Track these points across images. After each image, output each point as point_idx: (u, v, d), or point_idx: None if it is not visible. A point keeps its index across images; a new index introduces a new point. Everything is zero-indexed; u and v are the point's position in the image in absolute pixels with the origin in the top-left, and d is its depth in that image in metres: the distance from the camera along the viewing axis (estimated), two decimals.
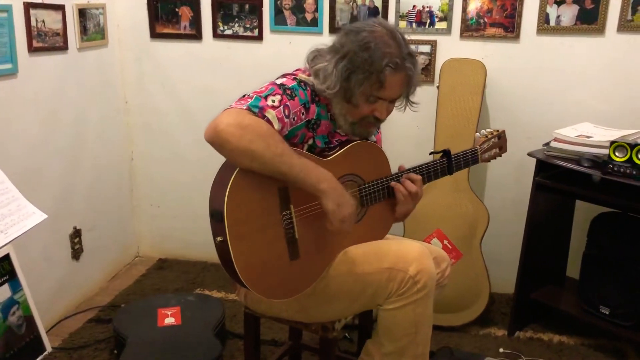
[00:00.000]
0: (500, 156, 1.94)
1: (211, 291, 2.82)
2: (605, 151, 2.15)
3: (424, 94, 2.71)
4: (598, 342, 2.48)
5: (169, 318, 2.33)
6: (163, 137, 3.06)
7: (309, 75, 1.63)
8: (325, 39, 2.71)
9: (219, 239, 1.47)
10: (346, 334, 2.44)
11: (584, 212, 2.61)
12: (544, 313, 2.63)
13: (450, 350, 2.27)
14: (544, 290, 2.58)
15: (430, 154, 1.78)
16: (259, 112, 1.46)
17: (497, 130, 1.90)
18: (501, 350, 2.40)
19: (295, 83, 1.59)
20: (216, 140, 1.43)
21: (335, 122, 1.67)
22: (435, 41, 2.67)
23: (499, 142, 1.91)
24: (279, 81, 1.58)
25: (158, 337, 2.22)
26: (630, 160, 2.05)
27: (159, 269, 3.13)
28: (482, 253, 2.58)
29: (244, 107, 1.46)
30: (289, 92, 1.55)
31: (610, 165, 2.08)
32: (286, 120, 1.52)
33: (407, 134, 2.80)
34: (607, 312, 2.32)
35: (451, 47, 2.66)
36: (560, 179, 2.34)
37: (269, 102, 1.49)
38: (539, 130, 2.58)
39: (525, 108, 2.66)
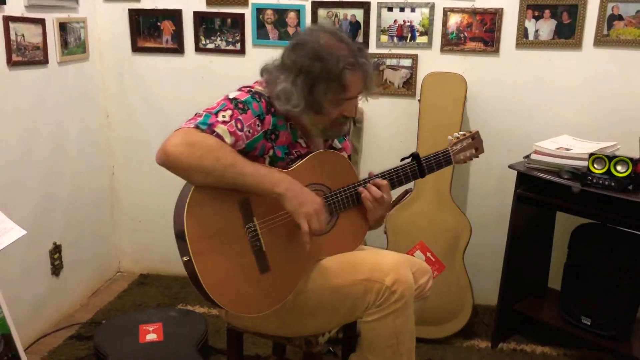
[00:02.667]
0: (477, 157, 1.91)
1: (193, 306, 2.80)
2: (585, 163, 2.18)
3: (406, 108, 2.76)
4: (580, 352, 2.50)
5: (151, 334, 2.30)
6: (144, 152, 3.04)
7: (264, 86, 1.64)
8: None
9: (185, 258, 1.47)
10: (330, 348, 2.43)
11: (565, 224, 2.64)
12: (526, 324, 2.65)
13: None
14: (526, 302, 2.60)
15: (401, 160, 1.78)
16: (208, 128, 1.48)
17: (470, 132, 1.89)
18: None
19: (249, 96, 1.59)
20: (166, 162, 1.45)
21: (295, 131, 1.67)
22: (416, 55, 2.69)
23: (474, 143, 1.88)
24: (232, 95, 1.59)
25: (139, 353, 2.19)
26: (608, 172, 2.08)
27: (141, 285, 3.09)
28: (464, 265, 2.59)
29: (192, 126, 1.48)
30: (241, 105, 1.55)
31: (590, 177, 2.11)
32: (240, 133, 1.52)
33: (389, 147, 2.81)
34: (589, 323, 2.33)
35: (432, 61, 2.69)
36: (540, 191, 2.36)
37: (220, 118, 1.51)
38: (519, 143, 2.61)
39: (506, 121, 2.69)
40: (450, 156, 1.81)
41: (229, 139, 1.50)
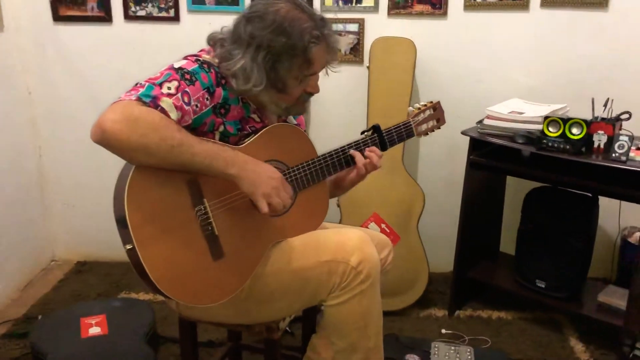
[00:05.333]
0: (439, 128, 1.84)
1: (138, 294, 2.64)
2: (538, 127, 2.15)
3: (354, 75, 2.65)
4: (535, 315, 2.52)
5: (94, 328, 2.13)
6: (73, 130, 2.80)
7: (214, 56, 1.48)
8: None
9: (127, 246, 1.32)
10: (287, 328, 2.34)
11: (515, 187, 2.65)
12: (481, 290, 2.65)
13: (395, 336, 2.22)
14: (480, 268, 2.59)
15: (361, 133, 1.68)
16: (151, 101, 1.31)
17: (432, 102, 1.81)
18: (443, 331, 2.39)
19: (197, 66, 1.43)
20: (103, 140, 1.28)
21: (247, 105, 1.53)
22: (362, 20, 2.58)
23: (435, 114, 1.80)
24: (177, 64, 1.42)
25: (82, 350, 2.02)
26: (563, 134, 2.06)
27: (79, 273, 2.89)
28: (419, 234, 2.54)
29: (133, 98, 1.31)
30: (187, 76, 1.39)
31: (545, 141, 2.08)
32: (187, 107, 1.37)
33: (338, 116, 2.71)
34: (543, 286, 2.35)
35: (379, 25, 2.58)
36: (491, 156, 2.33)
37: (164, 90, 1.34)
38: (469, 108, 2.57)
39: (455, 86, 2.63)
40: (412, 128, 1.72)
41: (174, 114, 1.34)
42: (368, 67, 2.53)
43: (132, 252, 1.32)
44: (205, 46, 1.55)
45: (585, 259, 2.36)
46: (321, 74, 1.59)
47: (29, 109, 2.79)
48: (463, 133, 2.34)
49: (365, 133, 1.68)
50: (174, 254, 1.36)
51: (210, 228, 1.41)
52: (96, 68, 2.74)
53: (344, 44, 2.62)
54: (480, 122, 2.35)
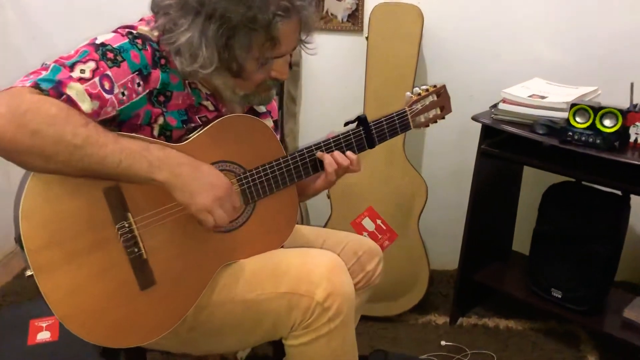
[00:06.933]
0: (443, 118, 1.54)
1: None
2: (562, 114, 1.81)
3: (352, 46, 2.32)
4: (548, 325, 2.23)
5: (43, 332, 1.88)
6: None
7: (154, 27, 1.17)
8: None
9: (27, 273, 1.05)
10: None
11: (532, 180, 2.32)
12: (488, 294, 2.36)
13: (384, 354, 1.94)
14: (489, 270, 2.29)
15: (345, 124, 1.37)
16: (53, 88, 1.02)
17: (435, 87, 1.49)
18: (443, 343, 2.11)
19: (127, 41, 1.12)
20: None
21: (197, 91, 1.23)
22: None
23: (439, 101, 1.49)
24: (101, 39, 1.12)
25: None
26: (593, 126, 1.72)
27: None
28: (420, 232, 2.24)
29: (28, 84, 1.01)
30: (111, 55, 1.09)
31: (570, 133, 1.75)
32: (107, 96, 1.07)
33: (332, 95, 2.39)
34: (560, 296, 2.04)
35: None
36: (506, 145, 2.01)
37: (75, 73, 1.04)
38: (483, 87, 2.23)
39: (468, 61, 2.28)
40: (408, 119, 1.40)
41: (87, 105, 1.05)
42: (367, 38, 2.19)
43: (33, 280, 1.05)
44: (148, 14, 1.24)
45: (611, 268, 2.04)
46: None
47: None
48: (474, 119, 2.00)
49: (349, 125, 1.36)
50: (86, 284, 1.09)
51: (136, 250, 1.12)
52: (62, 33, 2.40)
53: (341, 9, 2.27)
54: (494, 106, 2.01)
